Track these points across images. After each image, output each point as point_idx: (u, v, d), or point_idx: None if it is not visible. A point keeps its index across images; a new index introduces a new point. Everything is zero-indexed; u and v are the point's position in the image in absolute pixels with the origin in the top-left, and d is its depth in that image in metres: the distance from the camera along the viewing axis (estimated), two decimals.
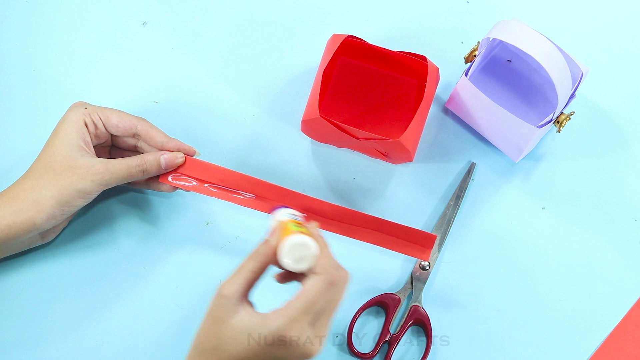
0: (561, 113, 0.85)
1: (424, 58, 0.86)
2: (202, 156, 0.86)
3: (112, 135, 0.81)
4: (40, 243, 0.80)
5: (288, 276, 0.71)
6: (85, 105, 0.79)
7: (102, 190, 0.77)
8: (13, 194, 0.75)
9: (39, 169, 0.76)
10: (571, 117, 0.86)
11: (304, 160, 0.88)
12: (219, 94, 0.90)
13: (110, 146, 0.83)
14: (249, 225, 0.86)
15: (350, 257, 0.85)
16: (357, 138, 0.83)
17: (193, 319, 0.82)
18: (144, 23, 0.92)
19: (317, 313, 0.66)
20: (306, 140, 0.89)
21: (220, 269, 0.84)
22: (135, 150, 0.82)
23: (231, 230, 0.85)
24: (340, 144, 0.87)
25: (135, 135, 0.81)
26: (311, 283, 0.66)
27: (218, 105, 0.90)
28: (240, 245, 0.85)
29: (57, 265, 0.83)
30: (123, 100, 0.89)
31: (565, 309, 0.85)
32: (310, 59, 0.91)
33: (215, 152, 0.87)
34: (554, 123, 0.85)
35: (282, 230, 0.71)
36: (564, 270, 0.86)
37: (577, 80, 0.84)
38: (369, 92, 0.90)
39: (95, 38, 0.91)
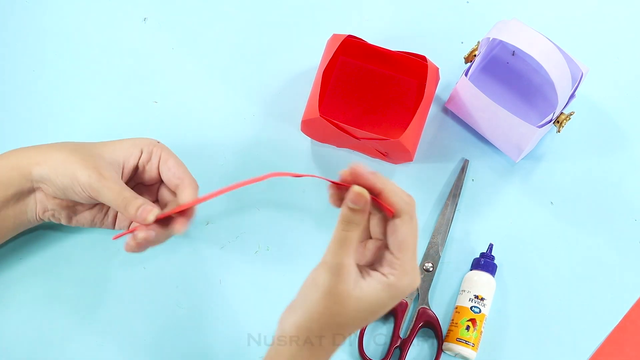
0: (561, 113, 0.85)
1: (423, 58, 0.86)
2: (202, 156, 0.86)
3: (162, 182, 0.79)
4: (41, 222, 0.79)
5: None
6: (158, 141, 0.78)
7: (90, 199, 0.75)
8: (29, 148, 0.76)
9: (62, 142, 0.77)
10: (571, 117, 0.86)
11: (304, 160, 0.88)
12: (219, 94, 0.90)
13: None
14: (249, 225, 0.86)
15: None
16: (357, 138, 0.83)
17: (193, 318, 0.82)
18: (145, 19, 0.92)
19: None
20: (306, 140, 0.89)
21: (220, 269, 0.84)
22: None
23: (231, 230, 0.85)
24: (340, 144, 0.87)
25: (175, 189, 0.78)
26: (406, 231, 0.67)
27: (218, 105, 0.90)
28: (240, 245, 0.85)
29: (57, 265, 0.83)
30: (123, 100, 0.89)
31: (565, 309, 0.85)
32: (310, 59, 0.91)
33: (215, 152, 0.87)
34: (553, 123, 0.85)
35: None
36: (563, 270, 0.86)
37: (577, 80, 0.84)
38: (369, 92, 0.90)
39: (94, 38, 0.91)
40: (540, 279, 0.86)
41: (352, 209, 0.67)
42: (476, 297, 0.82)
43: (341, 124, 0.82)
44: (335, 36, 0.86)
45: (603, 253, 0.87)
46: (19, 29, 0.91)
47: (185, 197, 0.76)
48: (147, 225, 0.73)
